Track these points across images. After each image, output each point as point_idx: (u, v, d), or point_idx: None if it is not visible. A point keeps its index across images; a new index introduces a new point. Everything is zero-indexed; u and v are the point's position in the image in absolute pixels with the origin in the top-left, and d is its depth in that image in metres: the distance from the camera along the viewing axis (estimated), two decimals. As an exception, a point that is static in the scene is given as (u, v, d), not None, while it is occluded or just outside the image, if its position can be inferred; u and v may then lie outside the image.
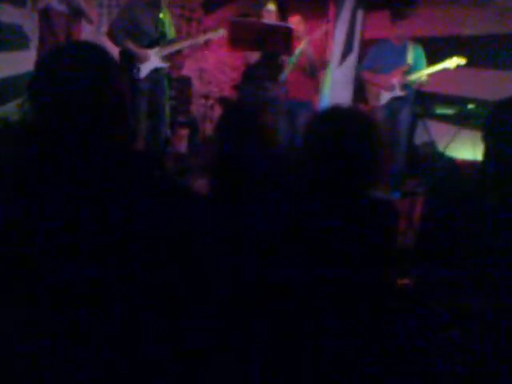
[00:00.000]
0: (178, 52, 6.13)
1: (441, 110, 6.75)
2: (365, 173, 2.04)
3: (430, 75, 6.31)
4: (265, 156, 2.41)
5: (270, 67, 6.01)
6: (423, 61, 6.46)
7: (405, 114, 6.48)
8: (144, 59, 5.70)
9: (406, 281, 2.42)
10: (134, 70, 5.66)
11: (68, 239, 1.48)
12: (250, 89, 5.93)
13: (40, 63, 1.65)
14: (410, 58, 6.44)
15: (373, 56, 6.76)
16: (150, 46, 5.77)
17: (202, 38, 6.02)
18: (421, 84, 6.41)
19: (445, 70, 6.18)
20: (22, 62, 7.36)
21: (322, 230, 1.93)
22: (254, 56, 5.90)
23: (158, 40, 5.80)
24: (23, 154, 1.55)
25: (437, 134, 6.93)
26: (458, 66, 6.10)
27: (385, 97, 6.49)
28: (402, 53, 6.47)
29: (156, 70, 5.82)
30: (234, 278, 1.91)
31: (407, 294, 2.32)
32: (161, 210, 1.56)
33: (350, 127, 2.03)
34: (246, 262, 1.96)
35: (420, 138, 7.17)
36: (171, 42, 5.93)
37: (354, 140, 2.00)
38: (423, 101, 6.97)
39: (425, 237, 2.33)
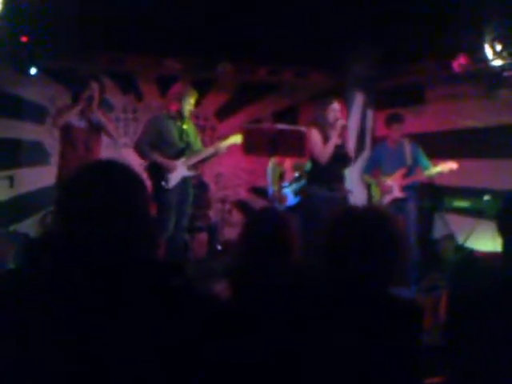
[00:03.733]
0: (204, 160, 6.27)
1: (458, 203, 6.77)
2: (387, 268, 2.03)
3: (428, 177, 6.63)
4: (286, 266, 2.43)
5: (339, 167, 5.99)
6: (423, 157, 6.63)
7: (410, 210, 6.58)
8: (172, 169, 5.86)
9: (435, 380, 2.37)
10: (163, 182, 5.80)
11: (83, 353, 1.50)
12: (317, 190, 5.92)
13: (69, 181, 1.73)
14: (408, 158, 6.58)
15: (372, 160, 7.04)
16: (177, 156, 5.93)
17: (225, 145, 6.15)
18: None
19: (441, 173, 6.44)
20: (42, 178, 7.55)
21: (345, 333, 1.91)
22: (324, 157, 5.86)
23: (183, 150, 5.97)
24: (43, 264, 1.59)
25: (456, 227, 6.92)
26: (451, 168, 6.37)
27: (386, 198, 6.65)
28: (400, 154, 6.64)
29: (183, 180, 5.96)
30: None
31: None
32: (177, 321, 1.58)
33: (369, 225, 2.04)
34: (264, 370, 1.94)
35: (439, 231, 7.15)
36: (196, 151, 6.09)
37: (377, 240, 2.00)
38: (439, 195, 7.03)
39: (449, 332, 2.29)
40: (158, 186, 5.79)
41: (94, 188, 1.63)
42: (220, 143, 6.23)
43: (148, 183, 5.86)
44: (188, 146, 6.01)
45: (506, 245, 2.21)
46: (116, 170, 1.72)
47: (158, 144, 5.90)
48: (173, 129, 5.95)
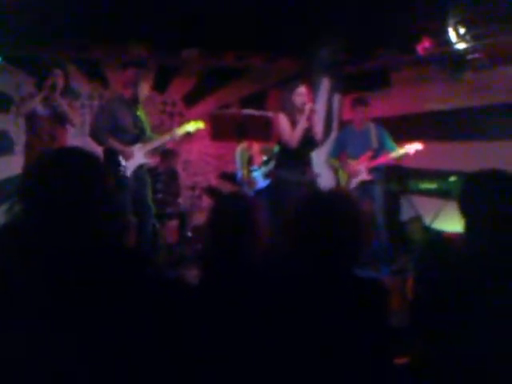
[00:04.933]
0: (159, 147, 6.22)
1: (424, 185, 6.85)
2: (350, 250, 2.07)
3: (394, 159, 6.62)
4: (255, 248, 2.46)
5: (306, 151, 5.97)
6: (388, 140, 6.69)
7: (377, 193, 6.66)
8: (129, 156, 5.77)
9: (404, 359, 2.40)
10: (121, 168, 5.72)
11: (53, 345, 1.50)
12: (286, 174, 5.90)
13: (30, 167, 1.73)
14: (374, 141, 6.64)
15: (338, 143, 7.06)
16: (132, 142, 5.85)
17: (180, 132, 6.10)
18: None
19: (406, 154, 6.49)
20: (8, 167, 7.45)
21: (312, 314, 1.94)
22: (293, 141, 5.83)
23: (138, 136, 5.90)
24: (10, 254, 1.59)
25: (423, 209, 7.00)
26: (417, 148, 6.44)
27: (354, 181, 6.71)
28: (366, 137, 6.70)
29: (140, 167, 5.90)
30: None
31: (407, 373, 2.30)
32: (152, 308, 1.59)
33: (333, 209, 2.07)
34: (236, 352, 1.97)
35: (407, 213, 7.24)
36: (151, 137, 6.04)
37: (339, 220, 2.03)
38: (405, 177, 7.10)
39: (416, 311, 2.34)
40: (115, 173, 5.65)
41: (55, 176, 1.63)
42: (175, 130, 6.17)
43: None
44: (142, 132, 5.92)
45: (467, 225, 2.26)
46: (77, 157, 1.71)
47: (113, 129, 5.77)
48: (127, 114, 5.84)
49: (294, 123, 5.81)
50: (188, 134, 6.19)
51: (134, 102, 5.87)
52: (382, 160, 6.63)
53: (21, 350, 1.49)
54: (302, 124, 5.76)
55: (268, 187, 7.12)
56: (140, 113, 5.95)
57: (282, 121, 5.80)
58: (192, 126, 6.07)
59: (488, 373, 2.04)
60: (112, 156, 5.73)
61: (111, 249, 1.66)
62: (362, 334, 1.95)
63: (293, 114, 5.82)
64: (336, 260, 2.03)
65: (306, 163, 5.99)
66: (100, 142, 5.82)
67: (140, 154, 5.86)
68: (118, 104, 5.87)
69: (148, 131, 6.05)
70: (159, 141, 6.07)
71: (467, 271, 2.13)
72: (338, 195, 2.21)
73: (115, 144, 5.76)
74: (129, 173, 5.75)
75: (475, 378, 2.05)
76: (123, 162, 5.73)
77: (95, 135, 5.83)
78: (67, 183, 1.61)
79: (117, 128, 5.80)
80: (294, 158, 5.84)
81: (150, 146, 5.96)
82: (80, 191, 1.62)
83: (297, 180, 5.75)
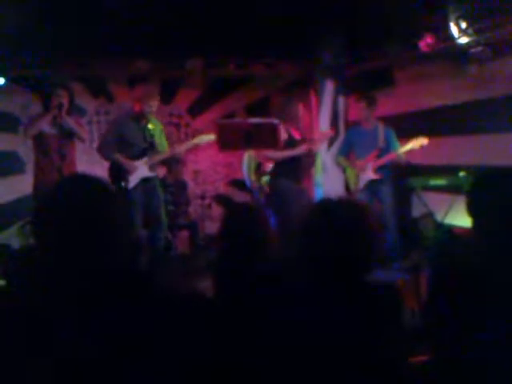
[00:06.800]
0: (166, 161, 6.31)
1: (434, 181, 6.81)
2: (360, 257, 2.07)
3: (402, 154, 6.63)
4: (266, 256, 2.47)
5: (300, 160, 6.04)
6: (394, 140, 6.71)
7: (385, 192, 6.69)
8: (131, 170, 5.89)
9: (423, 358, 2.40)
10: (122, 182, 5.83)
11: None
12: (283, 182, 5.96)
13: (43, 196, 1.78)
14: (381, 140, 6.64)
15: (346, 142, 7.06)
16: (139, 156, 5.95)
17: (187, 145, 6.21)
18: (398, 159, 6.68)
19: (412, 150, 6.50)
20: (19, 187, 7.51)
21: (327, 322, 1.94)
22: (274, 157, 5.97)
23: (145, 150, 5.97)
24: (29, 279, 1.63)
25: (434, 205, 6.97)
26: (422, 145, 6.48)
27: (362, 181, 6.72)
28: (374, 136, 6.71)
29: (146, 180, 5.97)
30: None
31: (426, 371, 2.30)
32: (160, 324, 1.61)
33: (342, 218, 2.08)
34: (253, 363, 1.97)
35: (418, 210, 7.21)
36: (159, 151, 6.09)
37: (347, 229, 2.04)
38: (414, 174, 7.06)
39: (429, 311, 2.33)
40: (119, 187, 5.81)
41: (68, 205, 1.65)
42: (183, 144, 6.30)
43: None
44: (151, 146, 6.02)
45: (476, 226, 2.25)
46: (89, 186, 1.74)
47: (120, 145, 5.95)
48: (135, 129, 5.98)
49: (289, 136, 5.90)
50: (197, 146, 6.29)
51: (142, 116, 5.95)
52: (388, 157, 6.62)
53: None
54: (304, 149, 5.94)
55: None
56: (153, 127, 6.03)
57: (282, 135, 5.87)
58: (198, 141, 6.14)
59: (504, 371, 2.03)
60: (116, 170, 5.91)
61: (122, 271, 1.68)
62: (376, 339, 1.95)
63: (293, 121, 5.90)
64: (346, 267, 2.03)
65: (302, 169, 6.07)
66: (106, 157, 6.03)
67: (144, 167, 5.95)
68: (127, 119, 6.01)
69: (162, 145, 6.14)
70: (165, 154, 6.13)
71: (478, 267, 2.12)
72: (345, 203, 2.21)
73: (119, 158, 5.92)
74: (131, 186, 5.84)
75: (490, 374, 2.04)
76: (126, 176, 5.83)
77: (101, 150, 6.04)
78: (81, 208, 1.65)
79: (124, 142, 5.96)
80: (290, 166, 5.90)
81: (154, 160, 6.04)
82: (93, 219, 1.65)
83: (295, 187, 5.84)
